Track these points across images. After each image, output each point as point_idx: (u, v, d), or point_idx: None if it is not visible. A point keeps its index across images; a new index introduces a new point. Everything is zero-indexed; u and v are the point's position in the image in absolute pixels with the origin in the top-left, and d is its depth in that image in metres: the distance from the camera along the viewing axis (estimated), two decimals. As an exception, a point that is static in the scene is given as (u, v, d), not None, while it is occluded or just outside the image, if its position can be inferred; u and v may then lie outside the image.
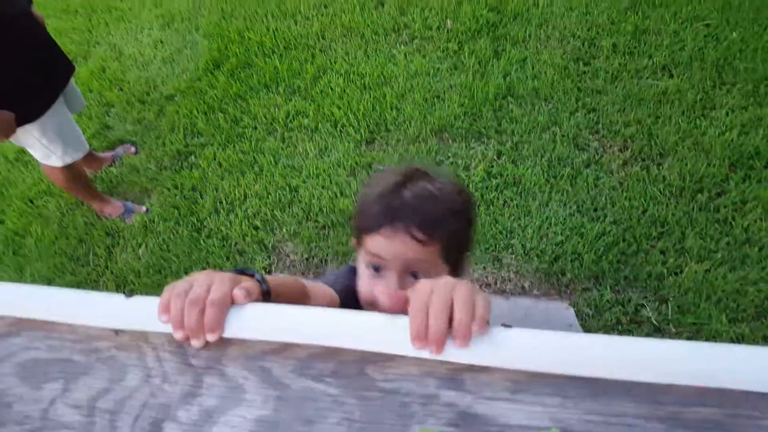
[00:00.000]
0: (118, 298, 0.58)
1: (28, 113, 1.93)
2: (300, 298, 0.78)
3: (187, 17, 3.46)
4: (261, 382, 0.51)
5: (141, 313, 0.57)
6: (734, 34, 2.56)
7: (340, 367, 0.52)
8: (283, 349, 0.54)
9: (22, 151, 2.82)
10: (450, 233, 0.81)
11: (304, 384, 0.51)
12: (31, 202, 2.63)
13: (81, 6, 3.83)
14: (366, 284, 0.85)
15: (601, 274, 1.92)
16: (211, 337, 0.52)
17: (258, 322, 0.54)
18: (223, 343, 0.54)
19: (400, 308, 0.79)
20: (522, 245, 2.04)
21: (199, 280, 0.55)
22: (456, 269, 0.86)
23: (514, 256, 2.03)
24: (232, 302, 0.53)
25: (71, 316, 0.59)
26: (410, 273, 0.81)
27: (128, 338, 0.57)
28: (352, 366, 0.52)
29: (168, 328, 0.54)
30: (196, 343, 0.53)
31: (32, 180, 2.72)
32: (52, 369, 0.57)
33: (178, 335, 0.53)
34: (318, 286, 0.91)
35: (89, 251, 2.39)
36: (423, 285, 0.52)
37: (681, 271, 1.88)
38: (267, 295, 0.63)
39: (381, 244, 0.81)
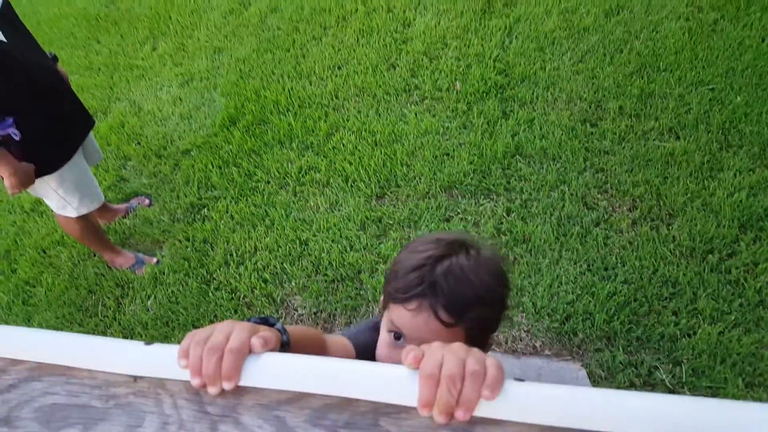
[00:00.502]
0: (138, 346, 0.61)
1: (47, 165, 2.02)
2: (318, 349, 0.81)
3: (206, 76, 3.64)
4: (275, 431, 0.53)
5: (160, 360, 0.59)
6: (739, 98, 2.66)
7: (354, 418, 0.53)
8: (297, 398, 0.55)
9: (38, 202, 2.92)
10: (478, 320, 0.79)
11: None
12: (44, 252, 2.70)
13: (104, 64, 4.05)
14: (384, 348, 0.86)
15: (613, 335, 1.92)
16: (227, 385, 0.54)
17: (274, 370, 0.56)
18: (239, 391, 0.56)
19: None
20: (533, 303, 2.06)
21: (219, 328, 0.57)
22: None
23: (524, 314, 2.05)
24: (250, 351, 0.55)
25: (91, 362, 0.61)
26: None
27: (146, 385, 0.59)
28: (366, 417, 0.53)
29: (186, 376, 0.56)
30: (212, 390, 0.55)
31: (46, 230, 2.80)
32: (71, 414, 0.58)
33: (195, 382, 0.55)
34: (336, 339, 0.94)
35: (98, 302, 2.43)
36: (435, 350, 0.52)
37: (694, 333, 1.88)
38: (286, 346, 0.66)
39: (405, 317, 0.81)
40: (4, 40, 1.79)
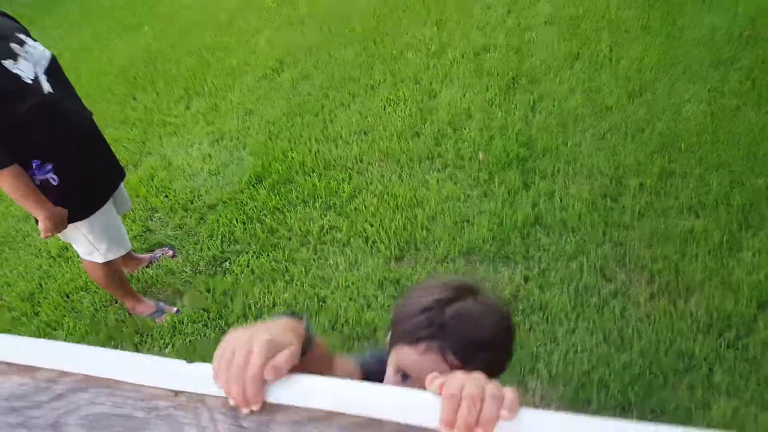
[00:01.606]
0: (180, 364, 0.71)
1: (80, 211, 2.23)
2: (328, 362, 0.91)
3: (236, 136, 3.97)
4: None
5: (199, 377, 0.68)
6: (760, 181, 2.84)
7: None
8: (328, 417, 0.63)
9: (65, 248, 3.16)
10: (485, 362, 0.83)
11: None
12: (67, 296, 2.91)
13: (138, 120, 4.43)
14: (390, 385, 0.95)
15: (627, 405, 2.02)
16: (254, 408, 0.63)
17: (305, 389, 0.65)
18: (273, 408, 0.64)
19: None
20: (548, 371, 2.18)
21: (238, 348, 0.65)
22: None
23: (539, 381, 2.16)
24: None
25: (136, 377, 0.69)
26: None
27: (186, 399, 0.67)
28: None
29: (222, 392, 0.65)
30: (244, 410, 0.64)
31: (71, 275, 3.03)
32: (115, 423, 0.66)
33: (232, 402, 0.64)
34: (343, 361, 1.03)
35: (117, 348, 2.59)
36: (456, 376, 0.59)
37: (709, 407, 1.97)
38: (309, 343, 0.76)
39: (411, 358, 0.86)
40: (51, 90, 2.02)
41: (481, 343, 0.85)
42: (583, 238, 2.70)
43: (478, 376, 0.59)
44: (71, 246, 2.40)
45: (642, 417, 1.97)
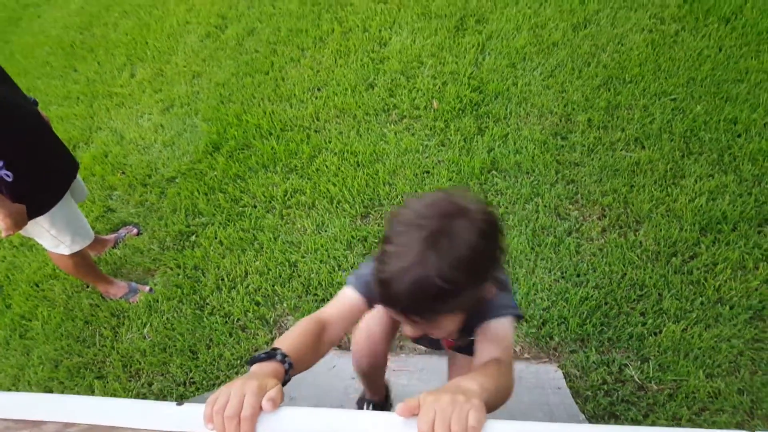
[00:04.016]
0: (170, 406, 0.81)
1: (39, 207, 2.17)
2: (316, 345, 1.03)
3: (186, 102, 3.85)
4: None
5: (189, 419, 0.78)
6: (699, 107, 2.94)
7: None
8: None
9: (26, 237, 3.08)
10: (456, 305, 0.96)
11: None
12: (37, 285, 2.88)
13: (82, 93, 4.23)
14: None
15: (586, 337, 2.16)
16: None
17: (289, 425, 0.76)
18: None
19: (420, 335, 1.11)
20: (511, 311, 2.29)
21: (234, 393, 0.76)
22: (480, 294, 0.99)
23: (504, 322, 2.27)
24: (261, 408, 0.75)
25: (133, 422, 0.79)
26: None
27: None
28: None
29: (212, 431, 0.76)
30: None
31: (37, 264, 2.98)
32: None
33: None
34: (338, 308, 1.14)
35: (95, 332, 2.61)
36: (428, 408, 0.71)
37: (660, 331, 2.13)
38: (290, 370, 0.90)
39: (392, 314, 1.01)
40: None
41: (441, 301, 0.91)
42: (537, 179, 2.78)
43: (446, 406, 0.71)
44: (36, 240, 2.36)
45: (600, 347, 2.12)
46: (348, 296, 1.17)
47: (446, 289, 0.87)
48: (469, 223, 0.91)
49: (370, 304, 1.17)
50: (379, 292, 0.95)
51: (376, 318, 1.59)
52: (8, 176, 2.02)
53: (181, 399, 0.90)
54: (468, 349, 1.40)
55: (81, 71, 4.50)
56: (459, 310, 1.00)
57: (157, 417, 0.79)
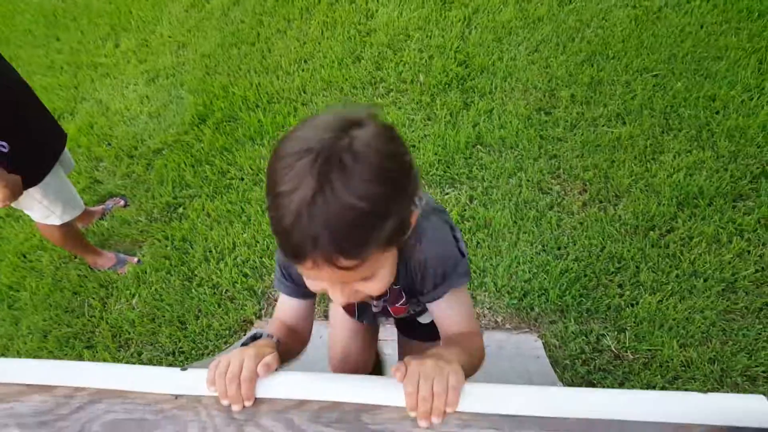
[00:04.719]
0: (175, 371, 0.84)
1: (32, 177, 2.14)
2: (292, 332, 1.04)
3: (171, 73, 3.74)
4: (286, 429, 0.76)
5: (194, 382, 0.82)
6: (679, 83, 2.92)
7: (342, 416, 0.77)
8: (301, 404, 0.79)
9: (12, 207, 3.01)
10: (383, 240, 0.72)
11: (317, 429, 0.76)
12: (24, 256, 2.82)
13: (66, 63, 4.10)
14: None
15: (565, 308, 2.18)
16: (248, 404, 0.80)
17: (284, 385, 0.81)
18: (257, 402, 0.80)
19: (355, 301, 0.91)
20: (494, 283, 2.30)
21: (233, 360, 0.81)
22: (407, 215, 0.78)
23: (487, 293, 2.29)
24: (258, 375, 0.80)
25: (140, 386, 0.83)
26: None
27: (185, 401, 0.81)
28: (351, 414, 0.77)
29: (214, 393, 0.80)
30: (236, 407, 0.79)
31: (24, 235, 2.92)
32: (130, 427, 0.79)
33: (225, 402, 0.80)
34: (283, 314, 1.06)
35: (84, 303, 2.58)
36: (413, 371, 0.76)
37: (636, 303, 2.15)
38: (278, 344, 0.92)
39: (309, 275, 0.78)
40: None
41: (367, 229, 0.69)
42: (521, 153, 2.76)
43: (430, 371, 0.75)
44: (25, 211, 2.31)
45: (578, 318, 2.14)
46: (283, 304, 1.05)
47: (366, 209, 0.66)
48: (367, 131, 0.70)
49: (302, 294, 1.03)
50: (286, 249, 0.70)
51: (346, 330, 1.54)
52: (4, 147, 1.98)
53: (185, 366, 0.94)
54: (420, 332, 1.38)
55: (64, 40, 4.35)
56: (390, 241, 0.74)
57: (162, 381, 0.83)
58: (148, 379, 0.83)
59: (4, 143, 1.96)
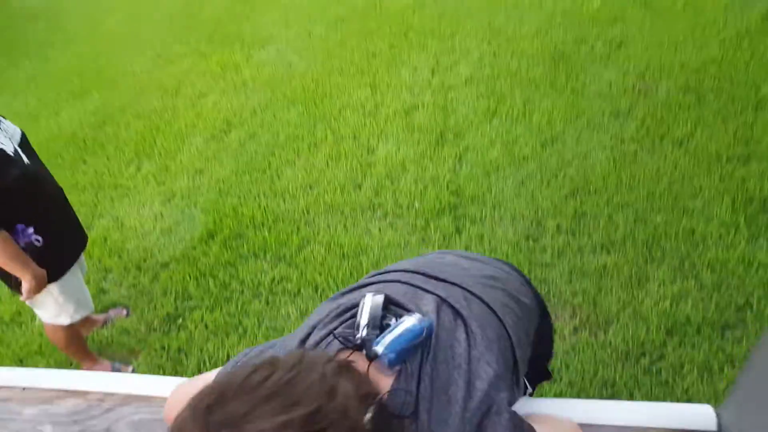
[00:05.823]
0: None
1: (55, 273, 2.15)
2: None
3: (187, 195, 3.88)
4: None
5: None
6: (659, 218, 3.02)
7: None
8: None
9: (18, 313, 2.97)
10: None
11: None
12: (21, 362, 2.72)
13: (89, 183, 4.26)
14: None
15: (560, 434, 2.05)
16: None
17: None
18: None
19: None
20: (487, 405, 2.19)
21: None
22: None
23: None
24: None
25: (163, 392, 0.93)
26: None
27: None
28: None
29: None
30: None
31: (24, 341, 2.84)
32: (156, 426, 0.89)
33: None
34: None
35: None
36: None
37: None
38: None
39: None
40: (29, 162, 2.02)
41: None
42: (512, 277, 2.77)
43: None
44: (33, 311, 2.29)
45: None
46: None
47: None
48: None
49: None
50: None
51: None
52: (38, 241, 2.03)
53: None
54: None
55: (90, 164, 4.56)
56: None
57: None
58: (168, 386, 0.92)
59: (39, 237, 2.01)
